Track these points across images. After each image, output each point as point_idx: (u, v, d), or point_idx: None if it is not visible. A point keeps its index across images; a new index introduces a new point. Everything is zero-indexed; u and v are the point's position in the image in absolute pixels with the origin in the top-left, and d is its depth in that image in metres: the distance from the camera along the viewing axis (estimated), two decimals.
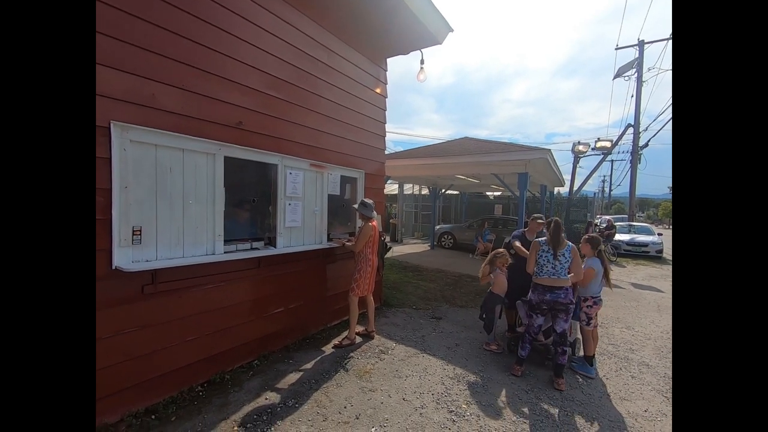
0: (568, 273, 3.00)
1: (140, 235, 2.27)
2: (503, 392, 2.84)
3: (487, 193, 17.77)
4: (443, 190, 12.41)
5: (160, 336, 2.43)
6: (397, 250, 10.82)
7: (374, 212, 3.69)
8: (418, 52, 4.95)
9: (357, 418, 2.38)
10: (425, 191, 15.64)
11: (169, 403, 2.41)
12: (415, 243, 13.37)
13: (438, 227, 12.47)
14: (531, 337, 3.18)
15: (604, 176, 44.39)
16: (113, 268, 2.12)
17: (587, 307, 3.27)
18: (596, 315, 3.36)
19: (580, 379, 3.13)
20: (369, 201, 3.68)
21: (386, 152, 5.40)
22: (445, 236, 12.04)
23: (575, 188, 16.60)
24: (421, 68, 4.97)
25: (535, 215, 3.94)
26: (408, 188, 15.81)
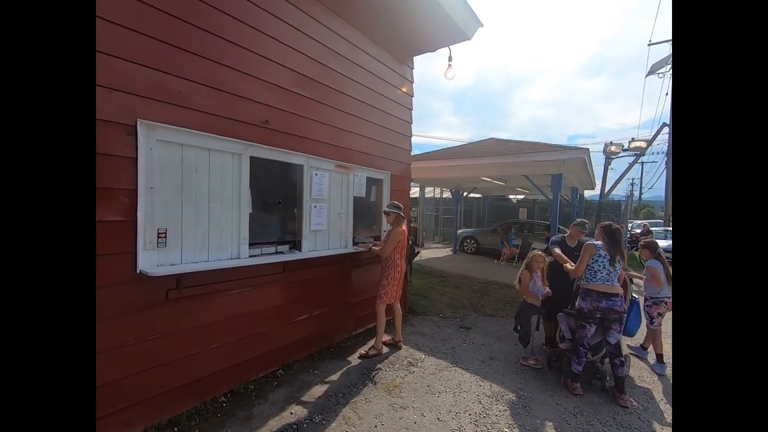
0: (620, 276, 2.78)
1: (165, 237, 2.18)
2: (548, 415, 2.57)
3: (510, 197, 17.23)
4: (466, 193, 12.06)
5: (185, 343, 2.33)
6: (420, 255, 10.57)
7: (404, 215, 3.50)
8: (446, 49, 4.77)
9: None
10: (446, 194, 15.32)
11: (193, 414, 2.29)
12: (436, 247, 13.06)
13: (460, 231, 12.12)
14: (586, 350, 2.90)
15: (633, 179, 42.15)
16: (138, 272, 2.03)
17: (647, 306, 3.42)
18: (658, 315, 3.43)
19: (635, 403, 2.80)
20: (400, 203, 3.50)
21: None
22: (468, 240, 11.68)
23: (608, 190, 15.82)
24: (449, 65, 4.76)
25: (579, 220, 3.63)
26: (429, 191, 15.54)
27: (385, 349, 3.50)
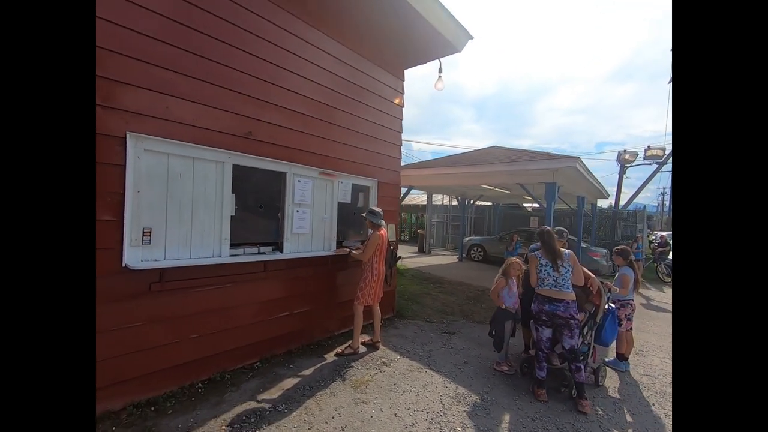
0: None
1: (150, 236, 2.46)
2: (506, 418, 2.62)
3: (525, 205, 16.94)
4: (472, 201, 12.03)
5: (165, 332, 2.58)
6: (423, 262, 10.63)
7: (383, 220, 3.66)
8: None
9: (342, 430, 2.33)
10: (456, 202, 15.30)
11: (169, 396, 2.53)
12: (443, 255, 13.05)
13: (467, 239, 12.08)
14: (545, 354, 2.94)
15: (664, 188, 39.68)
16: (123, 265, 2.31)
17: (616, 309, 3.42)
18: (626, 317, 3.57)
19: (600, 411, 2.80)
20: (377, 209, 3.67)
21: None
22: (475, 248, 11.61)
23: (628, 200, 15.26)
24: (439, 77, 4.93)
25: (558, 228, 3.68)
26: (438, 199, 15.56)
27: (362, 349, 3.64)
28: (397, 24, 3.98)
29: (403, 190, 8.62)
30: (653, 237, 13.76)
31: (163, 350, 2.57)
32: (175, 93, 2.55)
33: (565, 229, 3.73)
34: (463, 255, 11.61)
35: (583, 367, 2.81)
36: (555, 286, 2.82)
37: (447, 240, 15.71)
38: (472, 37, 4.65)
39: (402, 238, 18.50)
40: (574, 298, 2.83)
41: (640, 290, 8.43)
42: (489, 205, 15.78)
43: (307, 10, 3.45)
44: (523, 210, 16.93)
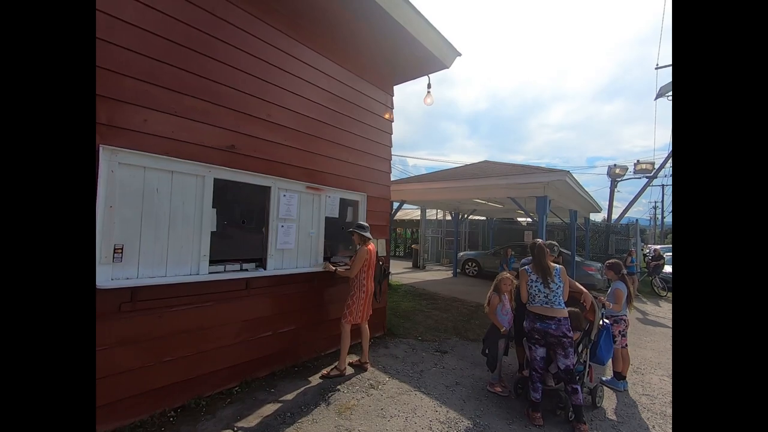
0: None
1: (122, 253, 2.34)
2: None
3: (519, 219, 16.95)
4: (466, 216, 12.01)
5: (136, 355, 2.42)
6: (417, 277, 10.47)
7: (370, 234, 3.57)
8: (427, 77, 5.00)
9: None
10: (450, 216, 15.28)
11: (137, 426, 2.35)
12: (438, 270, 12.90)
13: (462, 254, 11.98)
14: (539, 374, 2.80)
15: (656, 202, 40.32)
16: None
17: (609, 324, 3.31)
18: (620, 333, 3.45)
19: None
20: (364, 223, 3.58)
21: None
22: (470, 263, 11.50)
23: (620, 214, 15.35)
24: (428, 92, 4.98)
25: (549, 242, 3.59)
26: (432, 214, 15.54)
27: (350, 370, 3.47)
28: (386, 40, 4.03)
29: (396, 204, 8.57)
30: (647, 251, 13.78)
31: (133, 375, 2.40)
32: (153, 105, 2.50)
33: (556, 243, 3.66)
34: (458, 270, 11.47)
35: (580, 388, 2.68)
36: (546, 303, 2.73)
37: (442, 255, 15.59)
38: (460, 54, 4.74)
39: (397, 253, 18.35)
40: (567, 315, 2.72)
41: (636, 304, 8.33)
42: (483, 220, 15.77)
43: (292, 25, 3.47)
44: (518, 224, 16.93)
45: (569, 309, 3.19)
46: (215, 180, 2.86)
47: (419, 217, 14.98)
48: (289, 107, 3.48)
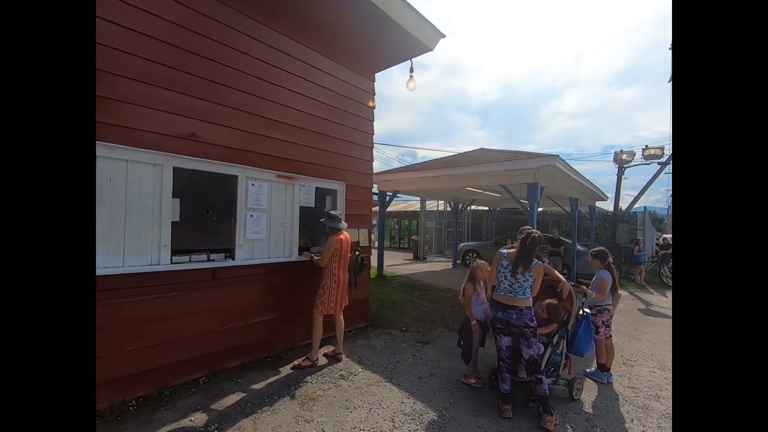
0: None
1: None
2: None
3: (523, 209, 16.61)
4: (465, 206, 11.80)
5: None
6: (414, 269, 10.37)
7: (342, 223, 3.48)
8: (410, 61, 4.84)
9: None
10: (450, 207, 15.07)
11: (95, 416, 2.35)
12: (439, 261, 12.78)
13: (462, 245, 11.83)
14: (506, 365, 2.70)
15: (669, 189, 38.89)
16: None
17: (592, 315, 3.30)
18: (603, 324, 3.36)
19: (570, 428, 2.54)
20: (334, 212, 3.49)
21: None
22: (470, 254, 11.34)
23: (630, 203, 14.84)
24: (411, 77, 4.81)
25: (527, 228, 3.43)
26: (433, 205, 15.34)
27: (323, 361, 3.43)
28: (362, 23, 3.88)
29: (389, 195, 8.44)
30: (661, 240, 13.30)
31: None
32: (107, 94, 2.44)
33: (535, 230, 3.48)
34: (458, 261, 11.33)
35: (544, 378, 2.57)
36: (510, 292, 2.60)
37: (444, 246, 15.43)
38: (444, 35, 4.54)
39: (401, 245, 18.26)
40: (530, 305, 2.58)
41: (641, 294, 8.05)
42: (486, 210, 15.50)
43: (257, 7, 3.35)
44: (522, 214, 16.58)
45: (548, 301, 3.04)
46: (176, 169, 2.81)
47: (418, 208, 14.82)
48: (258, 94, 3.38)
